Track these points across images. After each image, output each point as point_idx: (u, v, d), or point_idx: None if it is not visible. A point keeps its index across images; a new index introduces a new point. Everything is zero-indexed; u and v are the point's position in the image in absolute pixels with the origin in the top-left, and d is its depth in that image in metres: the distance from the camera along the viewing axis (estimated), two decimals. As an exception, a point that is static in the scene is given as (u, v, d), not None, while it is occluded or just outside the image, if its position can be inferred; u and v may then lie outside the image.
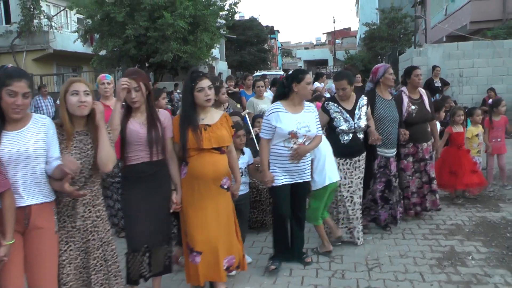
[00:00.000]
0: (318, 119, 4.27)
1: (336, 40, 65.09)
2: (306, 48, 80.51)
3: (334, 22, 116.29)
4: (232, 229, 3.77)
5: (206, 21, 18.27)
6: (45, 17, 21.80)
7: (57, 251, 2.91)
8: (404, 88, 5.51)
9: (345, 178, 4.63)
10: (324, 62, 64.66)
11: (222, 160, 3.64)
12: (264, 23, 44.09)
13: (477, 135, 6.70)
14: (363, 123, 4.60)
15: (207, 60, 21.15)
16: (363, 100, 4.72)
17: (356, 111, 4.60)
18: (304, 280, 4.09)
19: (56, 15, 22.98)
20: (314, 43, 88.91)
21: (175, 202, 3.55)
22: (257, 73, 22.99)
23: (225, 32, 21.82)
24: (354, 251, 4.70)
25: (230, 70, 35.08)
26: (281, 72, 25.18)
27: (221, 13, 19.95)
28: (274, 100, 4.32)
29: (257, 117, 5.93)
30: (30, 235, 2.82)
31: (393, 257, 4.51)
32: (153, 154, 3.41)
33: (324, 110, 4.62)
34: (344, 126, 4.52)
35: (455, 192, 6.37)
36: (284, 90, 4.20)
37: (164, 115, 3.56)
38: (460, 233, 5.10)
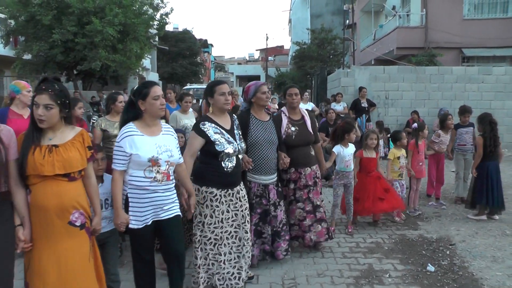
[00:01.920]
0: (177, 143, 3.68)
1: (269, 57, 66.22)
2: (239, 64, 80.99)
3: (267, 39, 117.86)
4: (90, 275, 3.11)
5: (136, 30, 17.73)
6: (-40, 14, 20.40)
7: None
8: (284, 109, 5.15)
9: (227, 211, 4.00)
10: (256, 78, 65.27)
11: (72, 190, 3.01)
12: (198, 36, 43.89)
13: (398, 158, 6.66)
14: (244, 144, 4.17)
15: (137, 70, 20.59)
16: (236, 119, 4.26)
17: (235, 131, 4.10)
18: None
19: (-27, 13, 21.56)
20: (248, 59, 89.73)
21: (23, 240, 2.93)
22: (188, 86, 22.72)
23: (156, 43, 21.38)
24: (270, 271, 4.62)
25: (161, 81, 34.52)
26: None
27: (151, 23, 19.53)
28: (124, 123, 3.52)
29: (178, 132, 5.66)
30: None
31: (310, 277, 4.48)
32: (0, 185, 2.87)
33: (199, 132, 3.91)
34: (229, 149, 3.91)
35: (354, 220, 6.26)
36: (133, 110, 3.48)
37: (6, 132, 2.96)
38: (379, 251, 5.19)
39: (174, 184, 3.53)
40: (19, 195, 2.94)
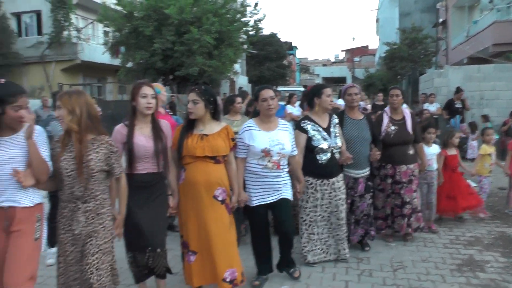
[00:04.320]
0: (293, 139, 4.23)
1: (355, 58, 65.55)
2: (324, 65, 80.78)
3: (353, 40, 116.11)
4: (230, 242, 3.78)
5: (230, 37, 18.84)
6: (74, 29, 22.71)
7: (34, 259, 3.00)
8: (387, 109, 5.49)
9: (322, 199, 4.55)
10: (342, 80, 64.80)
11: (217, 170, 3.72)
12: (283, 39, 44.61)
13: (489, 155, 6.67)
14: (339, 141, 4.58)
15: (228, 74, 21.65)
16: (335, 119, 4.70)
17: (332, 129, 4.57)
18: (336, 276, 4.48)
19: (84, 27, 23.82)
20: (332, 60, 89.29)
21: (171, 207, 3.72)
22: (281, 88, 23.34)
23: (248, 48, 22.32)
24: (379, 255, 5.04)
25: (250, 85, 35.59)
26: (302, 88, 25.56)
27: (245, 28, 20.47)
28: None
29: None
30: (10, 236, 2.92)
31: (415, 261, 4.83)
32: (159, 165, 3.60)
33: (301, 129, 4.49)
34: (323, 145, 4.46)
35: (456, 216, 6.36)
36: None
37: (164, 125, 3.73)
38: (479, 244, 5.37)
39: (285, 172, 4.09)
40: (173, 173, 3.74)
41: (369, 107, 12.94)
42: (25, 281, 2.89)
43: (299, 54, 74.45)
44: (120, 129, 3.58)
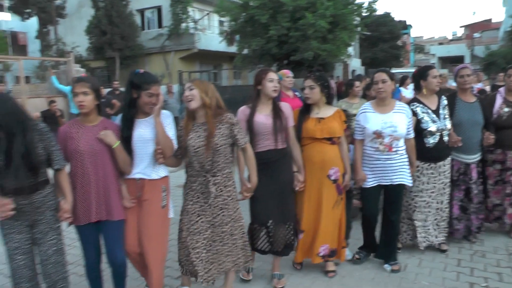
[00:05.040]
0: (411, 121, 4.17)
1: (475, 34, 61.05)
2: (440, 44, 76.52)
3: (473, 14, 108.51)
4: (332, 220, 4.00)
5: (345, 20, 18.62)
6: (192, 21, 24.02)
7: (163, 224, 3.41)
8: (501, 89, 5.05)
9: (427, 183, 4.44)
10: (459, 59, 60.71)
11: (331, 151, 3.96)
12: (396, 18, 42.95)
13: None
14: (448, 124, 4.43)
15: (342, 57, 21.43)
16: (444, 100, 4.54)
17: (441, 111, 4.44)
18: (449, 254, 4.51)
19: (201, 19, 25.01)
20: (450, 38, 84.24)
21: (300, 181, 3.93)
22: (394, 70, 22.60)
23: (362, 30, 21.88)
24: (493, 237, 4.91)
25: (363, 67, 34.87)
26: (412, 70, 24.41)
27: (360, 11, 20.09)
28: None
29: None
30: (141, 205, 3.36)
31: (534, 249, 4.61)
32: (278, 142, 3.78)
33: (412, 112, 4.34)
34: (432, 127, 4.35)
35: None
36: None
37: (285, 106, 3.93)
38: None
39: (399, 155, 4.05)
40: (296, 150, 3.94)
41: (488, 88, 11.91)
42: (158, 245, 3.34)
43: (414, 33, 71.46)
44: (243, 110, 3.87)
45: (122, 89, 9.54)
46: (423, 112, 4.37)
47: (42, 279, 3.12)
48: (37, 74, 24.00)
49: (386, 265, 4.23)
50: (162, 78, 22.50)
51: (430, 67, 4.62)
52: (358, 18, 21.02)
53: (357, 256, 4.38)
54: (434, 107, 4.43)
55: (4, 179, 2.84)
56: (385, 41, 37.60)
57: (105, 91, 12.03)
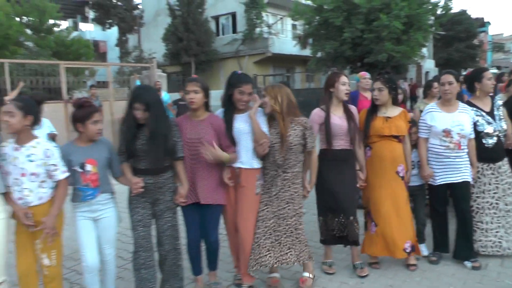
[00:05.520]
0: (473, 122, 4.31)
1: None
2: (521, 41, 72.30)
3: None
4: (407, 215, 4.18)
5: (419, 20, 18.50)
6: (265, 25, 24.79)
7: (255, 208, 3.81)
8: None
9: (489, 184, 4.43)
10: (543, 57, 57.55)
11: (399, 148, 4.18)
12: (473, 16, 41.34)
13: None
14: (504, 124, 4.51)
15: (416, 58, 21.22)
16: (498, 101, 4.61)
17: (495, 112, 4.50)
18: (503, 263, 4.36)
19: (274, 23, 25.69)
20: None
21: (362, 179, 4.20)
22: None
23: (437, 30, 21.54)
24: None
25: (437, 68, 34.06)
26: (495, 70, 23.56)
27: (435, 10, 19.89)
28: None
29: None
30: (238, 191, 3.80)
31: None
32: (351, 143, 4.09)
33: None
34: (489, 129, 4.41)
35: None
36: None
37: (353, 109, 4.24)
38: None
39: (465, 153, 4.25)
40: (360, 150, 4.22)
41: None
42: (250, 225, 3.79)
43: (492, 30, 67.83)
44: (317, 112, 4.15)
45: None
46: (477, 115, 4.43)
47: (157, 248, 3.67)
48: (117, 80, 25.50)
49: (466, 262, 4.28)
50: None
51: (485, 69, 4.82)
52: (432, 18, 20.77)
53: (433, 258, 4.42)
54: (488, 109, 4.51)
55: (139, 162, 3.47)
56: (461, 40, 36.42)
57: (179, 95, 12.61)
